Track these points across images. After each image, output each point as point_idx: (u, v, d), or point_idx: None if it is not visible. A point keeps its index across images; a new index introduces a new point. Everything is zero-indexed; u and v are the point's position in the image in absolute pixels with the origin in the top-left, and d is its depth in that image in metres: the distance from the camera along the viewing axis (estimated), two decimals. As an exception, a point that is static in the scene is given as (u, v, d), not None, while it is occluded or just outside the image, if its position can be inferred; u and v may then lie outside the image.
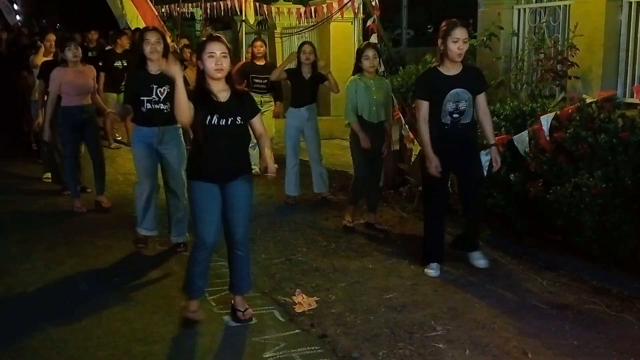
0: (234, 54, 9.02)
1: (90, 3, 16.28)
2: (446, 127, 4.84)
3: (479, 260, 5.08)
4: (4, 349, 3.93)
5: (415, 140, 6.67)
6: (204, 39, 4.14)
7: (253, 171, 8.91)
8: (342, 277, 5.02)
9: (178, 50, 9.85)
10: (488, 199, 5.57)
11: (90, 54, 9.51)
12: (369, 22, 7.49)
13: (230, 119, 3.98)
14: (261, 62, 8.32)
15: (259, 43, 8.45)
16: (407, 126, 6.90)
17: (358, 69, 6.09)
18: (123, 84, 7.22)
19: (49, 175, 8.13)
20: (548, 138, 5.14)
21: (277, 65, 8.12)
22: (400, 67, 7.64)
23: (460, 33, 4.72)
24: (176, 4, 14.36)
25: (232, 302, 4.35)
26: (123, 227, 6.19)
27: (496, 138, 5.13)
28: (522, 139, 5.33)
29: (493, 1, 7.80)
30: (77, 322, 4.28)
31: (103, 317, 4.34)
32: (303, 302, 4.49)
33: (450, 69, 4.84)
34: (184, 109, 3.83)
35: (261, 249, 5.68)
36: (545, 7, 7.47)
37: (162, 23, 11.85)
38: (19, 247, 5.79)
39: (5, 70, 10.19)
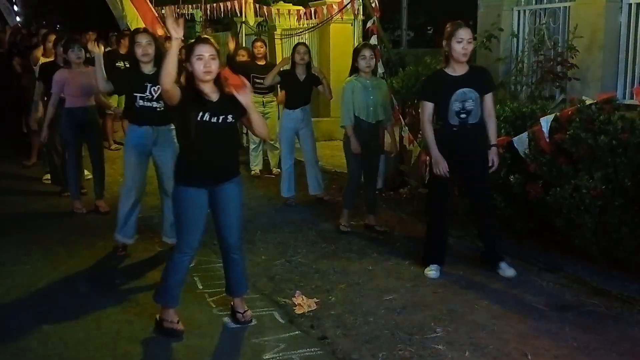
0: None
1: (90, 4, 16.29)
2: (455, 129, 4.82)
3: (507, 270, 4.99)
4: (3, 350, 3.93)
5: (415, 141, 6.67)
6: (192, 41, 4.11)
7: (253, 172, 9.02)
8: (342, 278, 5.02)
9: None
10: (488, 201, 5.57)
11: (88, 55, 9.51)
12: (369, 24, 7.50)
13: (221, 117, 3.95)
14: (261, 62, 8.38)
15: (259, 44, 8.49)
16: (406, 128, 6.91)
17: (354, 70, 6.10)
18: None
19: (48, 176, 8.13)
20: (548, 140, 5.14)
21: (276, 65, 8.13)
22: (400, 69, 7.64)
23: (464, 33, 4.73)
24: (176, 5, 14.36)
25: (232, 304, 4.34)
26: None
27: (497, 139, 5.12)
28: (521, 141, 5.33)
29: (493, 3, 7.81)
30: (76, 323, 4.28)
31: (102, 319, 4.34)
32: (303, 303, 4.49)
33: (456, 70, 4.83)
34: (170, 71, 3.72)
35: (261, 251, 5.68)
36: (545, 8, 7.48)
37: (162, 24, 11.85)
38: (18, 248, 5.79)
39: (5, 71, 10.18)
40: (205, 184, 4.02)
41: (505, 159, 5.32)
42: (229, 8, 11.85)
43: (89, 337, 4.08)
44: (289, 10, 11.35)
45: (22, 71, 9.57)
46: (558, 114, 5.29)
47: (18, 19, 13.63)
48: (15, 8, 14.45)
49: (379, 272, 5.16)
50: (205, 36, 4.32)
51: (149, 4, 11.90)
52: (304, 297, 4.58)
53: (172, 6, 4.87)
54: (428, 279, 4.97)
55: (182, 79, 4.17)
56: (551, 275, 4.99)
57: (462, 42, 4.72)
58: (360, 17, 8.85)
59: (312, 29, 11.05)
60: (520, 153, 5.35)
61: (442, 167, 4.82)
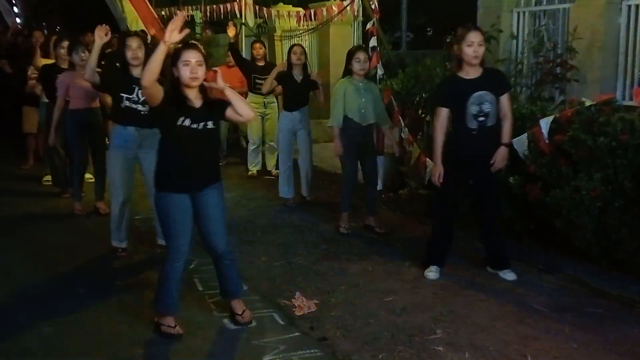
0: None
1: (90, 5, 16.29)
2: (474, 132, 4.77)
3: (508, 273, 4.99)
4: (4, 351, 3.94)
5: (415, 142, 6.68)
6: (180, 45, 4.10)
7: (250, 173, 9.01)
8: (342, 280, 5.02)
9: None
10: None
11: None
12: (369, 25, 7.51)
13: (202, 123, 3.94)
14: (261, 63, 8.40)
15: (258, 45, 8.53)
16: (406, 129, 6.91)
17: (348, 72, 6.10)
18: None
19: (49, 177, 8.13)
20: (547, 141, 5.14)
21: (276, 64, 8.15)
22: (400, 70, 7.64)
23: (474, 36, 4.70)
24: (176, 7, 14.37)
25: (230, 306, 4.34)
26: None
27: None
28: (521, 142, 5.33)
29: (492, 4, 7.81)
30: (77, 324, 4.29)
31: (103, 320, 4.34)
32: (303, 305, 4.49)
33: (470, 73, 4.79)
34: (153, 69, 3.70)
35: (261, 252, 5.68)
36: (545, 10, 7.48)
37: (162, 26, 11.86)
38: (18, 249, 5.80)
39: (5, 72, 10.15)
40: (187, 190, 4.01)
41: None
42: (228, 9, 11.86)
43: (89, 339, 4.08)
44: (289, 12, 11.36)
45: (14, 73, 9.52)
46: (557, 115, 5.29)
47: (18, 20, 13.62)
48: (15, 9, 14.44)
49: (379, 273, 5.16)
50: (193, 42, 4.32)
51: (149, 5, 11.91)
52: (304, 298, 4.58)
53: (183, 13, 4.86)
54: (427, 280, 4.97)
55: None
56: (551, 276, 4.99)
57: (472, 45, 4.69)
58: (360, 18, 8.86)
59: (311, 31, 11.06)
60: (520, 154, 5.35)
61: (438, 176, 4.84)
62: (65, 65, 7.12)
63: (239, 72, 8.66)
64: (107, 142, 6.25)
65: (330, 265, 5.34)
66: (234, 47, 8.73)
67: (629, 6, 6.48)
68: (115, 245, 5.61)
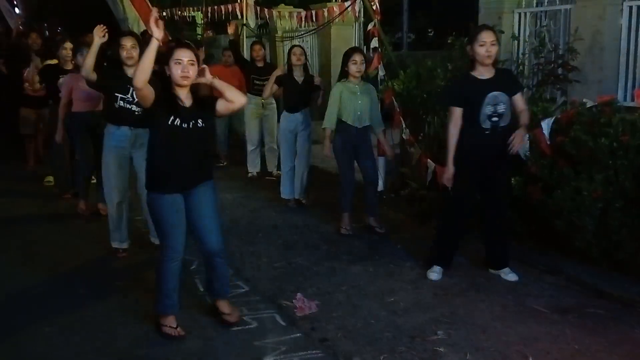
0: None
1: (91, 6, 16.29)
2: (487, 132, 4.75)
3: (509, 274, 4.99)
4: (4, 352, 3.94)
5: (415, 143, 6.67)
6: (173, 43, 4.09)
7: (250, 175, 9.02)
8: (343, 280, 5.02)
9: None
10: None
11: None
12: (370, 26, 7.50)
13: (192, 122, 3.95)
14: (260, 64, 8.42)
15: (257, 47, 8.55)
16: (407, 130, 6.91)
17: (344, 74, 6.10)
18: None
19: (50, 178, 8.13)
20: (548, 142, 5.13)
21: (276, 66, 8.16)
22: (401, 71, 7.64)
23: (486, 36, 4.68)
24: (177, 8, 14.37)
25: (217, 307, 4.29)
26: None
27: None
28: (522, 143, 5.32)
29: (493, 5, 7.82)
30: (78, 325, 4.29)
31: (104, 321, 4.34)
32: (304, 305, 4.49)
33: (484, 73, 4.76)
34: (145, 68, 3.72)
35: (262, 253, 5.68)
36: (546, 11, 7.49)
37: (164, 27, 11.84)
38: (19, 250, 5.81)
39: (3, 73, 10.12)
40: (180, 189, 4.01)
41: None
42: (230, 10, 11.86)
43: (90, 339, 4.08)
44: (290, 13, 11.36)
45: (10, 74, 9.50)
46: (559, 116, 5.29)
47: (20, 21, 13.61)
48: (17, 10, 14.43)
49: (380, 274, 5.16)
50: (186, 41, 4.32)
51: (150, 6, 11.92)
52: (305, 299, 4.58)
53: (156, 8, 4.86)
54: (429, 280, 4.97)
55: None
56: (552, 277, 4.98)
57: (485, 45, 4.66)
58: (361, 19, 8.86)
59: (313, 32, 11.06)
60: (521, 155, 5.34)
61: (447, 178, 4.82)
62: (68, 67, 7.13)
63: (237, 72, 8.65)
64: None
65: (331, 265, 5.34)
66: (234, 45, 8.73)
67: (630, 7, 6.49)
68: (116, 247, 5.61)
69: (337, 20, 9.95)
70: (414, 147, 6.62)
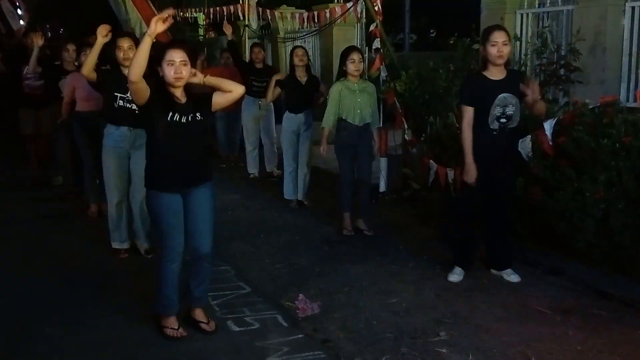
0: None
1: (93, 8, 16.31)
2: (495, 133, 4.73)
3: (512, 275, 4.98)
4: (7, 354, 3.94)
5: (416, 145, 6.68)
6: (167, 43, 4.07)
7: (251, 176, 9.03)
8: (345, 281, 5.01)
9: None
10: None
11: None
12: (372, 27, 7.51)
13: (190, 116, 3.94)
14: (259, 66, 8.43)
15: (257, 49, 8.57)
16: (410, 131, 6.91)
17: (342, 73, 6.09)
18: None
19: (60, 179, 8.08)
20: (551, 143, 5.13)
21: (276, 67, 8.16)
22: (403, 72, 7.64)
23: (497, 36, 4.66)
24: (179, 9, 14.38)
25: (192, 316, 4.21)
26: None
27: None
28: (525, 144, 5.32)
29: (496, 6, 7.83)
30: (81, 326, 4.29)
31: (107, 322, 4.34)
32: (306, 306, 4.48)
33: (495, 74, 4.74)
34: (140, 62, 3.69)
35: (264, 254, 5.68)
36: (548, 11, 7.49)
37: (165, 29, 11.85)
38: (21, 251, 5.81)
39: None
40: (178, 189, 3.99)
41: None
42: (232, 11, 11.88)
43: (92, 340, 4.08)
44: (292, 14, 11.37)
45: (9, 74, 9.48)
46: (561, 117, 5.28)
47: (22, 22, 13.63)
48: (19, 12, 14.46)
49: (382, 275, 5.16)
50: (178, 40, 4.28)
51: (152, 7, 11.93)
52: (307, 300, 4.57)
53: (172, 9, 4.79)
54: (431, 282, 4.96)
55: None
56: (554, 278, 4.98)
57: (496, 45, 4.64)
58: (363, 20, 8.86)
59: (315, 33, 11.07)
60: (523, 156, 5.34)
61: (472, 175, 4.75)
62: (70, 68, 7.13)
63: (236, 73, 8.63)
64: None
65: (333, 266, 5.34)
66: (233, 46, 8.74)
67: (633, 8, 6.49)
68: (116, 247, 5.61)
69: (339, 21, 9.96)
70: (414, 148, 6.62)
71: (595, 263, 5.00)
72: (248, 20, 11.47)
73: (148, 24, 3.82)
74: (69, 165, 7.56)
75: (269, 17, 11.56)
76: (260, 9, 11.68)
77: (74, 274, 5.25)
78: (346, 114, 6.04)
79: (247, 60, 9.01)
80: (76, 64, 7.01)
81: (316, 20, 10.47)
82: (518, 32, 7.62)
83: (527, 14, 7.68)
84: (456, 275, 4.98)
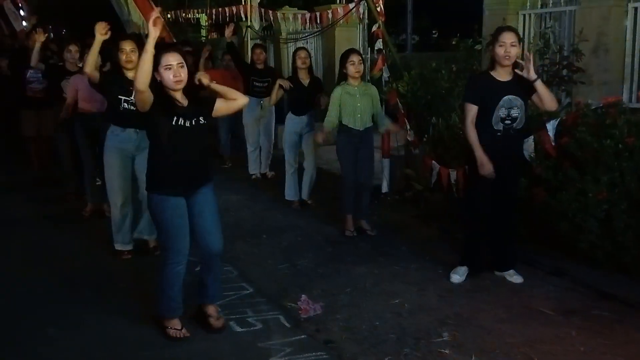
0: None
1: (96, 8, 16.33)
2: (499, 134, 4.72)
3: (515, 276, 4.97)
4: (9, 354, 3.95)
5: (418, 146, 6.69)
6: (160, 47, 4.07)
7: (253, 177, 9.04)
8: (348, 282, 5.01)
9: None
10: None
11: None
12: (374, 28, 7.51)
13: (194, 120, 3.96)
14: (260, 67, 8.44)
15: (258, 50, 8.57)
16: (412, 131, 6.91)
17: (342, 76, 6.09)
18: None
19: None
20: (553, 143, 5.13)
21: (277, 68, 8.16)
22: (406, 73, 7.65)
23: (506, 37, 4.64)
24: (182, 10, 14.41)
25: (205, 312, 4.24)
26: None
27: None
28: (528, 145, 5.32)
29: (498, 6, 7.82)
30: (82, 327, 4.29)
31: (109, 322, 4.35)
32: (308, 307, 4.48)
33: (502, 75, 4.73)
34: (146, 70, 3.71)
35: (266, 254, 5.68)
36: (551, 12, 7.48)
37: (168, 28, 11.89)
38: (22, 252, 5.81)
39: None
40: (182, 191, 4.01)
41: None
42: (234, 12, 11.89)
43: (94, 341, 4.09)
44: (294, 15, 11.39)
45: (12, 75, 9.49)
46: (564, 117, 5.28)
47: (25, 24, 13.62)
48: (22, 13, 14.45)
49: (385, 275, 5.15)
50: (170, 43, 4.29)
51: (154, 8, 11.95)
52: (309, 300, 4.57)
53: (159, 8, 4.76)
54: (434, 282, 4.95)
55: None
56: (557, 279, 4.97)
57: (504, 46, 4.61)
58: (366, 21, 8.87)
59: (317, 33, 11.08)
60: (526, 157, 5.34)
61: (488, 168, 4.68)
62: (73, 69, 7.14)
63: (237, 75, 8.64)
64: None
65: (336, 267, 5.34)
66: (232, 48, 8.75)
67: (635, 8, 6.49)
68: (119, 249, 5.61)
69: (341, 22, 9.96)
70: (417, 149, 6.63)
71: (598, 264, 5.00)
72: (250, 21, 11.49)
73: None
74: (70, 166, 7.56)
75: (271, 18, 11.58)
76: (262, 10, 11.69)
77: (75, 275, 5.25)
78: (347, 119, 6.03)
79: (248, 62, 9.02)
80: (79, 65, 7.02)
81: (318, 21, 10.49)
82: (521, 33, 7.61)
83: (530, 15, 7.68)
84: (457, 276, 4.98)
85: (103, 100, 6.59)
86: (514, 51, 4.64)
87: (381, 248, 5.82)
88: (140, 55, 5.01)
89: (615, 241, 4.85)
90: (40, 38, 7.25)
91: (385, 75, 7.41)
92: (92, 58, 5.31)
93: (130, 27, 12.62)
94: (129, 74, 5.29)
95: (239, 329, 4.22)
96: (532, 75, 4.61)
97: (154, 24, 3.72)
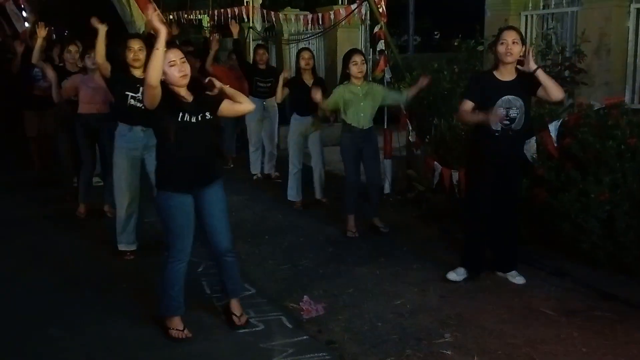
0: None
1: (98, 9, 16.37)
2: (497, 134, 4.71)
3: (517, 277, 4.96)
4: (10, 355, 3.95)
5: (420, 147, 6.69)
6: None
7: (254, 177, 9.04)
8: (350, 283, 5.01)
9: None
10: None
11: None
12: (376, 29, 7.52)
13: (200, 115, 3.97)
14: (262, 67, 8.47)
15: (261, 51, 8.59)
16: (414, 132, 6.91)
17: (345, 76, 6.09)
18: None
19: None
20: (556, 144, 5.13)
21: (279, 71, 8.16)
22: (407, 74, 7.65)
23: (507, 35, 4.64)
24: (184, 11, 14.42)
25: (228, 307, 4.31)
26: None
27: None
28: (530, 145, 5.32)
29: (500, 7, 7.82)
30: (83, 327, 4.29)
31: (110, 323, 4.35)
32: (310, 308, 4.49)
33: (504, 74, 4.72)
34: (158, 66, 3.71)
35: (268, 255, 5.69)
36: (553, 13, 7.48)
37: (170, 30, 11.87)
38: (24, 252, 5.81)
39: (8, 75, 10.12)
40: (190, 188, 4.02)
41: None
42: (236, 13, 11.90)
43: (96, 342, 4.09)
44: (296, 16, 11.39)
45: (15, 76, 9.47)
46: (566, 118, 5.28)
47: (27, 25, 13.63)
48: (24, 14, 14.45)
49: (387, 276, 5.15)
50: (169, 40, 4.28)
51: (157, 9, 11.96)
52: (311, 301, 4.58)
53: (180, 12, 4.74)
54: (435, 283, 4.95)
55: None
56: (558, 280, 4.97)
57: (505, 43, 4.61)
58: (367, 22, 8.87)
59: (319, 34, 11.08)
60: (528, 157, 5.34)
61: (498, 113, 4.59)
62: (73, 70, 7.15)
63: (241, 76, 8.66)
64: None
65: (337, 268, 5.34)
66: (238, 46, 8.75)
67: (638, 9, 6.48)
68: (123, 249, 5.61)
69: (343, 23, 9.97)
70: (419, 150, 6.63)
71: (600, 264, 5.00)
72: (252, 22, 11.50)
73: (152, 26, 3.83)
74: (69, 166, 7.56)
75: (273, 19, 11.58)
76: (264, 11, 11.71)
77: (76, 275, 5.25)
78: (350, 118, 6.04)
79: (250, 62, 9.03)
80: (79, 65, 7.02)
81: (320, 22, 10.49)
82: (523, 34, 7.61)
83: (532, 16, 7.68)
84: (455, 275, 4.97)
85: (104, 101, 6.61)
86: (516, 49, 4.62)
87: (383, 248, 5.82)
88: (148, 54, 5.07)
89: (617, 242, 4.85)
90: (41, 33, 7.25)
91: (387, 76, 7.41)
92: (101, 48, 5.31)
93: (133, 28, 12.60)
94: (136, 73, 5.30)
95: (240, 330, 4.22)
96: (532, 65, 4.61)
97: (156, 21, 3.74)
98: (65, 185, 7.68)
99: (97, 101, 6.63)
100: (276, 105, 8.60)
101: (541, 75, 4.60)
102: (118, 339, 4.12)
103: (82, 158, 6.98)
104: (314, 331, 4.19)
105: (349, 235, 6.15)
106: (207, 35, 13.67)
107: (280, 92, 7.21)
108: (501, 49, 4.64)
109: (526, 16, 7.71)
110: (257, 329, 4.24)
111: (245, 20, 11.67)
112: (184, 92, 3.99)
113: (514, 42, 4.61)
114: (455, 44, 8.16)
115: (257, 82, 8.36)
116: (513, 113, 4.68)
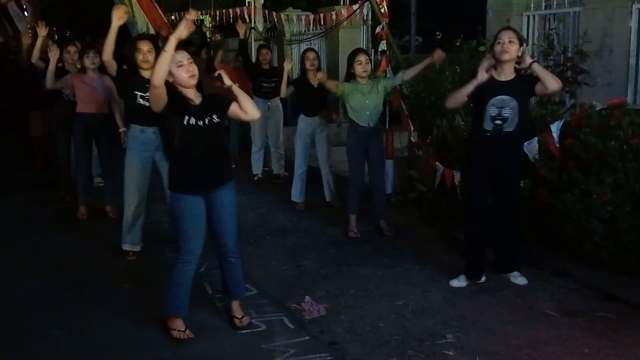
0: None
1: (100, 10, 16.37)
2: (488, 134, 4.71)
3: (519, 278, 4.96)
4: (11, 355, 3.95)
5: (422, 147, 6.68)
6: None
7: (256, 177, 9.03)
8: (352, 283, 5.01)
9: None
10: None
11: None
12: (378, 29, 7.51)
13: (207, 118, 3.96)
14: (266, 67, 8.46)
15: (264, 51, 8.60)
16: (415, 133, 6.91)
17: (350, 75, 6.09)
18: None
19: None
20: (558, 145, 5.12)
21: (281, 71, 8.16)
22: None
23: (503, 34, 4.65)
24: (186, 11, 14.42)
25: (229, 308, 4.32)
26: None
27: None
28: (532, 146, 5.32)
29: (502, 8, 7.82)
30: (85, 328, 4.29)
31: (112, 323, 4.35)
32: (312, 308, 4.48)
33: (502, 74, 4.71)
34: (164, 67, 3.71)
35: (270, 256, 5.68)
36: (555, 13, 7.48)
37: (172, 30, 11.86)
38: (26, 253, 5.81)
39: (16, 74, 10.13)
40: (201, 191, 4.02)
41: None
42: (238, 14, 11.90)
43: (98, 342, 4.09)
44: (298, 16, 11.39)
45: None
46: (568, 119, 5.27)
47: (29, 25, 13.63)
48: (26, 14, 14.45)
49: (389, 277, 5.15)
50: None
51: (159, 10, 11.96)
52: (313, 302, 4.57)
53: (194, 10, 4.70)
54: (437, 284, 4.95)
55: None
56: (561, 280, 4.97)
57: (501, 42, 4.62)
58: (369, 22, 8.88)
59: (320, 35, 11.08)
60: (530, 158, 5.33)
61: (485, 64, 4.64)
62: (72, 70, 7.14)
63: (245, 77, 8.65)
64: (124, 144, 6.16)
65: (340, 268, 5.34)
66: (244, 46, 8.75)
67: (640, 9, 6.47)
68: (127, 249, 5.61)
69: (344, 23, 9.97)
70: (421, 150, 6.62)
71: (602, 265, 4.99)
72: (254, 22, 11.49)
73: (155, 27, 3.84)
74: (66, 166, 7.56)
75: (275, 20, 11.58)
76: (266, 11, 11.70)
77: (78, 275, 5.25)
78: (356, 116, 6.04)
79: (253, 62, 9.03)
80: (78, 66, 7.01)
81: (322, 23, 10.49)
82: (524, 34, 7.61)
83: (534, 16, 7.68)
84: (457, 281, 4.95)
85: (103, 101, 6.62)
86: (513, 47, 4.62)
87: (384, 249, 5.82)
88: (157, 55, 5.07)
89: (619, 242, 4.84)
90: (42, 32, 7.25)
91: (389, 77, 7.40)
92: (110, 45, 5.29)
93: (135, 29, 12.59)
94: (145, 74, 5.31)
95: (242, 331, 4.22)
96: (528, 60, 4.62)
97: (186, 27, 3.71)
98: (63, 186, 7.67)
99: (95, 100, 6.63)
100: (280, 105, 8.61)
101: (537, 68, 4.61)
102: (119, 339, 4.12)
103: (77, 159, 6.97)
104: (316, 332, 4.19)
105: (351, 236, 6.15)
106: (210, 35, 13.67)
107: (285, 87, 7.20)
108: (497, 48, 4.65)
109: (528, 16, 7.71)
110: (259, 329, 4.24)
111: (247, 20, 11.67)
112: (192, 94, 3.98)
113: (510, 41, 4.62)
114: (457, 44, 8.15)
115: (261, 82, 8.37)
116: (506, 113, 4.67)
